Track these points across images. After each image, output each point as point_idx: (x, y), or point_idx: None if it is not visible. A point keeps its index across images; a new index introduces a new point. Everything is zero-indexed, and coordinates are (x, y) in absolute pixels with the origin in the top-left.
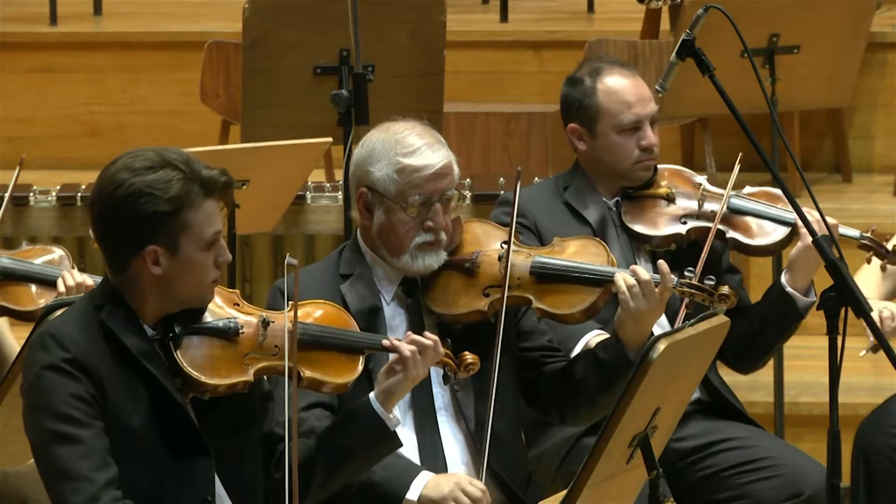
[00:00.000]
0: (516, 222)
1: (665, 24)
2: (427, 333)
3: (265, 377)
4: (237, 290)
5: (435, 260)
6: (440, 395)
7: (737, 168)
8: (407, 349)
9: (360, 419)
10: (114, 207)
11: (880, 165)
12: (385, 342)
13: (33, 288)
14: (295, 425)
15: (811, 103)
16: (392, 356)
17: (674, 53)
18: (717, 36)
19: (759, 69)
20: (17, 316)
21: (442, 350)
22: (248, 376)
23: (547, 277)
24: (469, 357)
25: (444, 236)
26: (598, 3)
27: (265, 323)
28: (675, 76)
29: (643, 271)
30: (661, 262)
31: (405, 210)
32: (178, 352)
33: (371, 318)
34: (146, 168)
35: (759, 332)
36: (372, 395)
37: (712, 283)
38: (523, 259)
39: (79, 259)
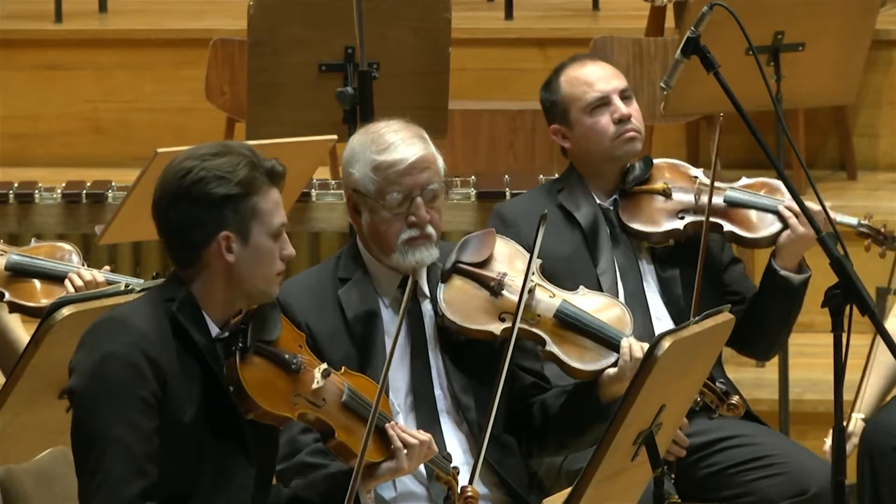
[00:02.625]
0: (506, 235)
1: (670, 22)
2: (419, 432)
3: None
4: (304, 334)
5: (427, 255)
6: (442, 398)
7: (717, 134)
8: (397, 441)
9: (336, 490)
10: (184, 195)
11: (885, 163)
12: (387, 425)
13: (45, 284)
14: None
15: (816, 101)
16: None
17: (679, 51)
18: (722, 33)
19: (764, 67)
20: (28, 312)
21: (435, 449)
22: (293, 414)
23: (569, 326)
24: (470, 490)
25: (431, 230)
26: (602, 1)
27: (325, 373)
28: (679, 74)
29: (639, 351)
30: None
31: (385, 207)
32: (240, 364)
33: (369, 323)
34: (212, 154)
35: (764, 321)
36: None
37: (723, 388)
38: (548, 298)
39: (86, 261)
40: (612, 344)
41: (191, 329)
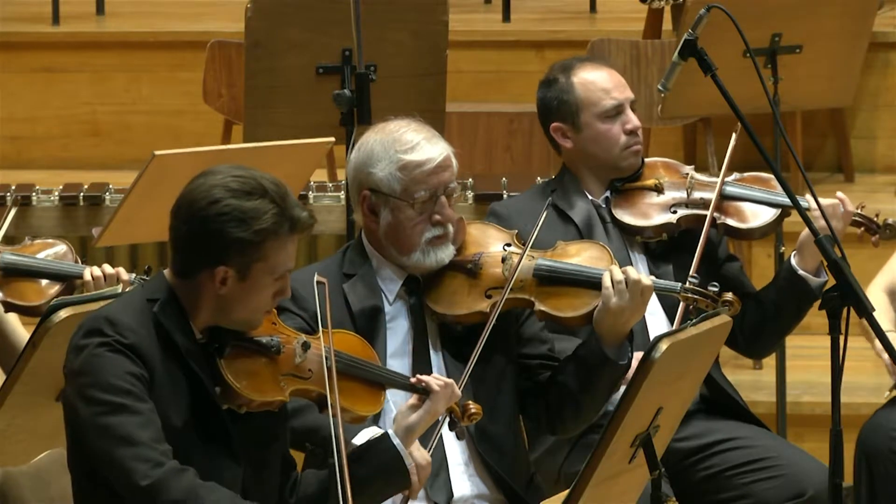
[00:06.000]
0: (504, 231)
1: (667, 24)
2: (439, 377)
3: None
4: (274, 310)
5: (446, 254)
6: None
7: (733, 140)
8: (436, 384)
9: (379, 453)
10: (202, 221)
11: (882, 165)
12: (413, 379)
13: (42, 283)
14: (343, 447)
15: (813, 103)
16: (412, 396)
17: (676, 53)
18: (720, 36)
19: (762, 69)
20: (24, 312)
21: (458, 392)
22: (285, 396)
23: (550, 280)
24: (472, 407)
25: (451, 229)
26: (600, 3)
27: (305, 346)
28: (677, 76)
29: (633, 271)
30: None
31: (413, 206)
32: (221, 361)
33: (372, 318)
34: (245, 193)
35: (772, 318)
36: (391, 430)
37: (716, 289)
38: (526, 261)
39: (81, 259)
40: (595, 283)
41: (173, 331)
